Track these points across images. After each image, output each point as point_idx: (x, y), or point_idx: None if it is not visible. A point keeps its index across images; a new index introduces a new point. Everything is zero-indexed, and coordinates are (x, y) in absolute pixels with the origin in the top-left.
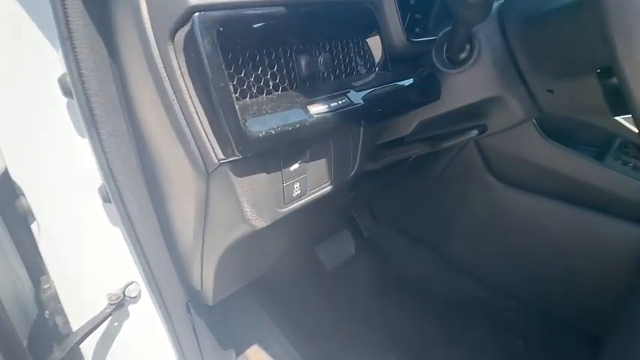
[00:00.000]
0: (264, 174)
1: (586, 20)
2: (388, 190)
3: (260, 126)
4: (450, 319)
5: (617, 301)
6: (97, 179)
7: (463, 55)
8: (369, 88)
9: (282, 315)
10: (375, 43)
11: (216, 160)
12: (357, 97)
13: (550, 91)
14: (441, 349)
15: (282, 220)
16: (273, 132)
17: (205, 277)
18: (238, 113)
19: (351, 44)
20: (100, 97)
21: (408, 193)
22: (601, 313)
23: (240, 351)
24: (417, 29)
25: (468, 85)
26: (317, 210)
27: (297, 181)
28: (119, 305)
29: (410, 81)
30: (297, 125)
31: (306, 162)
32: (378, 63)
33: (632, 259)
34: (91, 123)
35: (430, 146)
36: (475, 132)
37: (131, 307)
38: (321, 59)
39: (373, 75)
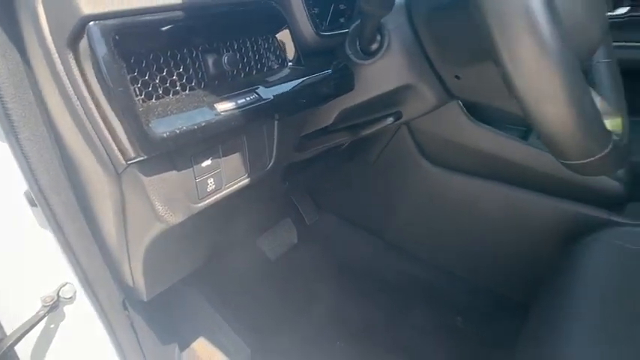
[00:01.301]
0: (175, 172)
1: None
2: (327, 178)
3: (164, 126)
4: (393, 302)
5: (544, 272)
6: (23, 183)
7: (374, 46)
8: (281, 83)
9: (228, 307)
10: (287, 39)
11: (124, 162)
12: (266, 93)
13: (457, 77)
14: (385, 332)
15: (205, 215)
16: (178, 132)
17: (135, 273)
18: (140, 116)
19: (260, 41)
20: (16, 103)
21: (348, 179)
22: (530, 284)
23: (185, 345)
24: (342, 19)
25: (380, 74)
26: (248, 202)
27: (210, 176)
28: (53, 307)
29: (325, 74)
30: (203, 124)
31: (219, 157)
32: (292, 58)
33: (556, 231)
34: (9, 129)
35: (350, 135)
36: (390, 119)
37: (67, 308)
38: (225, 58)
39: (286, 70)
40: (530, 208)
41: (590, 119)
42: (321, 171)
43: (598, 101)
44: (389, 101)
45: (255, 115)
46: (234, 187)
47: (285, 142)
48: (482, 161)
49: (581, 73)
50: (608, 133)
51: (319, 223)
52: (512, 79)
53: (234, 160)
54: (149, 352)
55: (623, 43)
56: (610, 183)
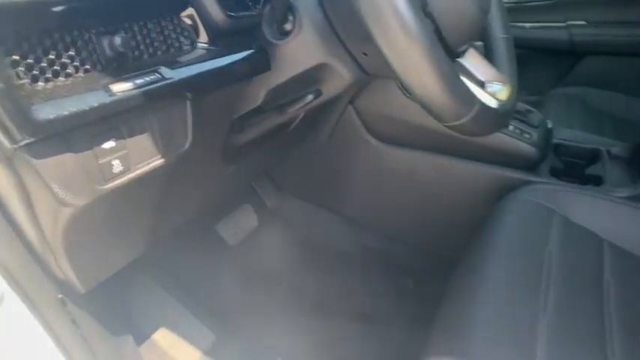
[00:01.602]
0: (71, 154)
1: None
2: (285, 160)
3: (51, 109)
4: (351, 272)
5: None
6: None
7: (288, 27)
8: (190, 64)
9: (188, 294)
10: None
11: (10, 146)
12: (170, 73)
13: (365, 54)
14: (344, 300)
15: (132, 198)
16: (67, 113)
17: (62, 265)
18: (21, 99)
19: (164, 22)
20: None
21: (305, 160)
22: (466, 243)
23: (143, 337)
24: (250, 1)
25: (295, 54)
26: (192, 186)
27: (115, 157)
28: None
29: (238, 54)
30: (96, 105)
31: (124, 139)
32: (206, 39)
33: (484, 193)
34: None
35: (279, 114)
36: (310, 97)
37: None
38: (117, 40)
39: (199, 51)
40: (462, 174)
41: (451, 86)
42: (273, 153)
43: (481, 71)
44: (310, 80)
45: (158, 95)
46: (147, 168)
47: (207, 122)
48: (420, 134)
49: (440, 48)
50: (472, 96)
51: (281, 206)
52: (385, 55)
53: (142, 140)
54: (100, 349)
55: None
56: (526, 147)
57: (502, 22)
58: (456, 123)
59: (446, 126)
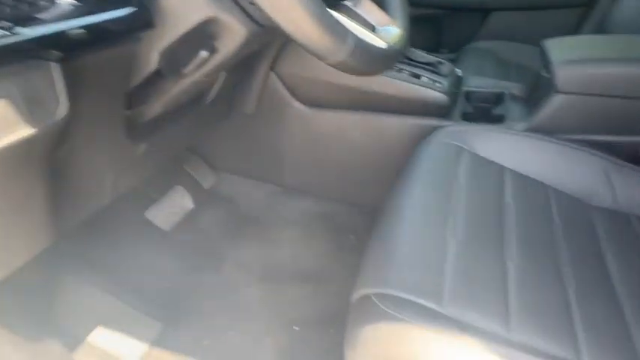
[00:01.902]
0: None
1: None
2: (214, 137)
3: None
4: (297, 239)
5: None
6: None
7: None
8: (50, 22)
9: (124, 288)
10: None
11: None
12: (23, 31)
13: (251, 3)
14: (293, 268)
15: (15, 185)
16: None
17: None
18: None
19: None
20: None
21: (235, 134)
22: None
23: (78, 340)
24: None
25: (179, 8)
26: (97, 169)
27: None
28: None
29: (112, 11)
30: None
31: None
32: None
33: (406, 143)
34: None
35: (179, 78)
36: (204, 53)
37: None
38: None
39: (60, 6)
40: (384, 127)
41: (321, 21)
42: (193, 129)
43: (372, 16)
44: (204, 38)
45: (15, 54)
46: (13, 139)
47: (89, 90)
48: (344, 94)
49: None
50: (344, 31)
51: (219, 184)
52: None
53: (1, 108)
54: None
55: None
56: (438, 95)
57: None
58: (336, 59)
59: (330, 64)
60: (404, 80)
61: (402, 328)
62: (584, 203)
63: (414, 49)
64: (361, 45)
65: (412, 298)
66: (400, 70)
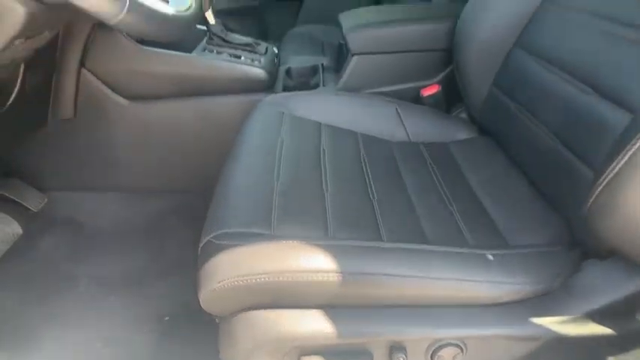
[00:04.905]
0: None
1: None
2: (32, 153)
3: None
4: (154, 239)
5: None
6: None
7: None
8: None
9: None
10: None
11: None
12: None
13: None
14: (155, 268)
15: None
16: None
17: None
18: None
19: None
20: None
21: (57, 144)
22: None
23: None
24: None
25: None
26: None
27: None
28: None
29: None
30: None
31: None
32: None
33: (238, 119)
34: None
35: None
36: None
37: None
38: None
39: None
40: (214, 109)
41: None
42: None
43: None
44: None
45: None
46: None
47: None
48: (168, 83)
49: None
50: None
51: (52, 205)
52: None
53: None
54: None
55: None
56: (258, 71)
57: None
58: (117, 19)
59: (114, 25)
60: (225, 61)
61: (238, 253)
62: (387, 141)
63: (232, 33)
64: (138, 7)
65: (245, 230)
66: (220, 53)
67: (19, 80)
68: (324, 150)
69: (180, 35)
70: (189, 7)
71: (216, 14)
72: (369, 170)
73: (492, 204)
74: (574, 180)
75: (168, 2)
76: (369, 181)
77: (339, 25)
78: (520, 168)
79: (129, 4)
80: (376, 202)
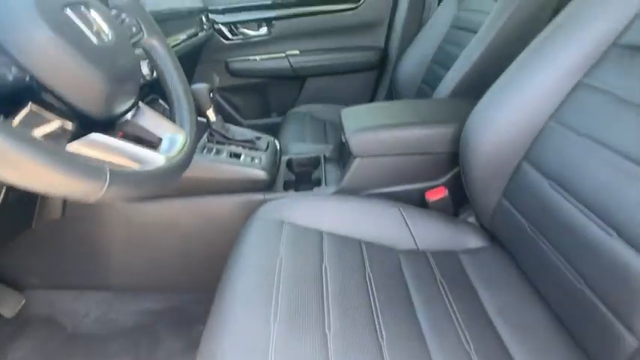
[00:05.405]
0: None
1: None
2: (20, 255)
3: None
4: (142, 344)
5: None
6: None
7: None
8: None
9: None
10: None
11: None
12: None
13: None
14: None
15: None
16: None
17: None
18: None
19: None
20: None
21: (46, 245)
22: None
23: None
24: None
25: None
26: None
27: None
28: None
29: None
30: None
31: None
32: None
33: (236, 221)
34: None
35: None
36: None
37: None
38: None
39: None
40: (212, 209)
41: (71, 178)
42: None
43: (154, 125)
44: None
45: None
46: None
47: None
48: None
49: (42, 147)
50: (97, 176)
51: (31, 305)
52: None
53: None
54: None
55: None
56: (257, 172)
57: (177, 77)
58: (97, 197)
59: (95, 203)
60: (224, 162)
61: None
62: (392, 249)
63: (233, 127)
64: (119, 177)
65: None
66: (220, 152)
67: (2, 193)
68: (325, 268)
69: (167, 187)
70: (182, 148)
71: (221, 91)
72: (375, 294)
73: (512, 339)
74: (608, 338)
75: (159, 141)
76: (377, 312)
77: (339, 121)
78: (537, 289)
79: (109, 179)
80: (385, 342)
